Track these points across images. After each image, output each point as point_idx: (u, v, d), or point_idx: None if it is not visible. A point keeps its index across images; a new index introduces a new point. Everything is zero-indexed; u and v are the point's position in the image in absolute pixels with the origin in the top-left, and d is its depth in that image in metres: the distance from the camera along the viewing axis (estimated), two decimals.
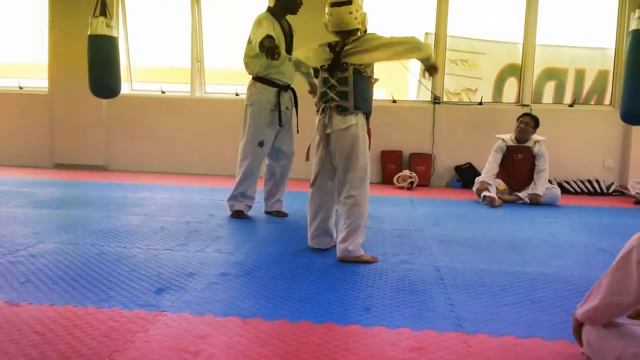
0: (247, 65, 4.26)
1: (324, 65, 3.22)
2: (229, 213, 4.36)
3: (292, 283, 2.68)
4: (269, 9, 4.23)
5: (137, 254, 3.12)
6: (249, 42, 4.15)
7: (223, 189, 5.78)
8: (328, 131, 3.20)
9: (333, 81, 3.16)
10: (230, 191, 4.37)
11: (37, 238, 3.43)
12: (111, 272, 2.77)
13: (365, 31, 3.27)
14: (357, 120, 3.16)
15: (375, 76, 3.36)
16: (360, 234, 3.15)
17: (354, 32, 3.17)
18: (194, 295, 2.44)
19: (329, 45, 3.23)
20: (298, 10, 4.21)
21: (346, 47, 3.13)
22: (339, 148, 3.18)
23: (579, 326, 1.82)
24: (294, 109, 4.39)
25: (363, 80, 3.16)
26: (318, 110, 3.26)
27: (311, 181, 3.37)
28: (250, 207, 4.37)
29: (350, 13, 3.10)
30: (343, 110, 3.14)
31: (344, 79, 3.13)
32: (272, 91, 4.20)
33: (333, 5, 3.13)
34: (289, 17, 4.28)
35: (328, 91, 3.19)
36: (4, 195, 5.06)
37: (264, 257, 3.17)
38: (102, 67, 6.10)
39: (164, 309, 2.26)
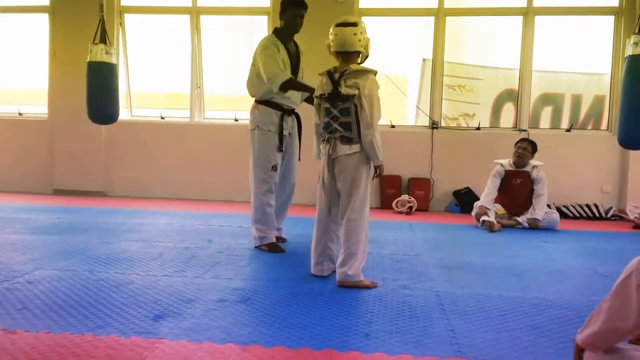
0: (249, 88, 4.20)
1: (324, 95, 3.23)
2: (258, 244, 4.13)
3: (291, 309, 2.66)
4: (275, 31, 4.16)
5: (135, 281, 3.10)
6: (253, 65, 4.11)
7: (222, 215, 5.78)
8: (333, 156, 3.23)
9: (335, 112, 3.17)
10: (247, 222, 4.22)
11: (34, 264, 3.42)
12: (109, 298, 2.75)
13: (367, 57, 3.29)
14: (362, 148, 3.17)
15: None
16: (360, 258, 3.13)
17: (355, 54, 3.19)
18: (192, 322, 2.43)
19: (329, 73, 3.24)
20: (299, 28, 4.12)
21: (345, 77, 3.14)
22: (344, 172, 3.20)
23: (579, 352, 1.80)
24: (297, 135, 4.30)
25: None
26: (323, 140, 3.28)
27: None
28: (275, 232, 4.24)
29: (354, 35, 3.13)
30: (348, 141, 3.17)
31: (346, 109, 3.15)
32: (276, 114, 4.11)
33: (338, 25, 3.16)
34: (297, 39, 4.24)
35: (331, 122, 3.20)
36: (2, 221, 5.04)
37: (262, 283, 3.16)
38: (100, 93, 6.14)
39: (162, 336, 2.24)
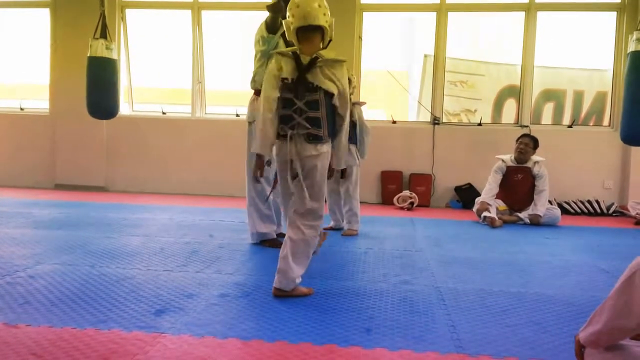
0: (254, 82, 4.01)
1: (286, 79, 2.69)
2: (257, 240, 4.12)
3: (292, 304, 2.66)
4: None
5: (136, 275, 3.11)
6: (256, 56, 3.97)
7: (223, 210, 5.78)
8: (294, 158, 2.72)
9: (300, 104, 2.67)
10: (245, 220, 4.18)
11: (36, 259, 3.42)
12: (110, 293, 2.75)
13: (330, 40, 2.75)
14: (328, 148, 2.78)
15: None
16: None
17: (318, 34, 2.69)
18: (193, 317, 2.43)
19: (294, 55, 2.71)
20: (278, 29, 3.83)
21: (319, 65, 2.67)
22: (306, 173, 2.74)
23: (581, 348, 1.80)
24: None
25: None
26: (283, 136, 2.74)
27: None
28: (275, 228, 4.18)
29: (319, 6, 2.64)
30: (315, 140, 2.70)
31: (314, 102, 2.66)
32: None
33: None
34: None
35: (294, 115, 2.69)
36: (4, 215, 5.05)
37: (264, 277, 3.16)
38: (99, 88, 6.14)
39: (164, 331, 2.24)
